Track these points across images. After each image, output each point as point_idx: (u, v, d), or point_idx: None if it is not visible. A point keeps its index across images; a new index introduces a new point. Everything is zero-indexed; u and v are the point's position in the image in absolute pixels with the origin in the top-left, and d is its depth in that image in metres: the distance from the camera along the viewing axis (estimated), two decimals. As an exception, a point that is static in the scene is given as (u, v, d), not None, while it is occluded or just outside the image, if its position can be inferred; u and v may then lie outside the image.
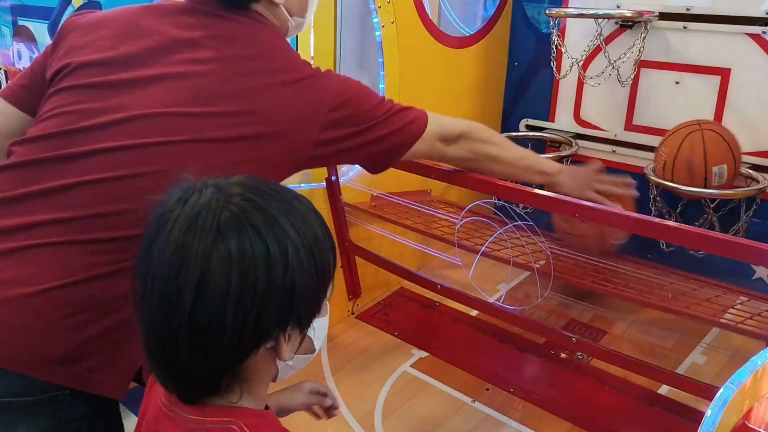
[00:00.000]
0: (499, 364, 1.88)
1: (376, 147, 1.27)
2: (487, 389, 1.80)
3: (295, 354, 0.77)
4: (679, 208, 2.07)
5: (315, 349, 0.82)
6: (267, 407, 0.81)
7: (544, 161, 1.51)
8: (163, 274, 0.70)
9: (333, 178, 1.98)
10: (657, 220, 1.39)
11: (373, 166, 1.37)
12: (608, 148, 2.35)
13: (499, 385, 1.80)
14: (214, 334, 0.69)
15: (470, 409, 1.73)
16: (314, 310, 0.77)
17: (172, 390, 0.76)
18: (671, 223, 1.34)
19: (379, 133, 1.26)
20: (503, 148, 1.46)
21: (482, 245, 1.74)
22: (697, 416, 1.58)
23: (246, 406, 0.77)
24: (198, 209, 0.71)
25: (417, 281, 1.99)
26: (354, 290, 2.17)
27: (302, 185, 2.04)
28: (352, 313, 2.17)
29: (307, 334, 0.77)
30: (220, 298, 0.68)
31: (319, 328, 0.80)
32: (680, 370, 1.73)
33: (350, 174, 2.09)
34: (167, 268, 0.70)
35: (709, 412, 1.11)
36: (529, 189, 1.47)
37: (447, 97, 2.45)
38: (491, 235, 1.70)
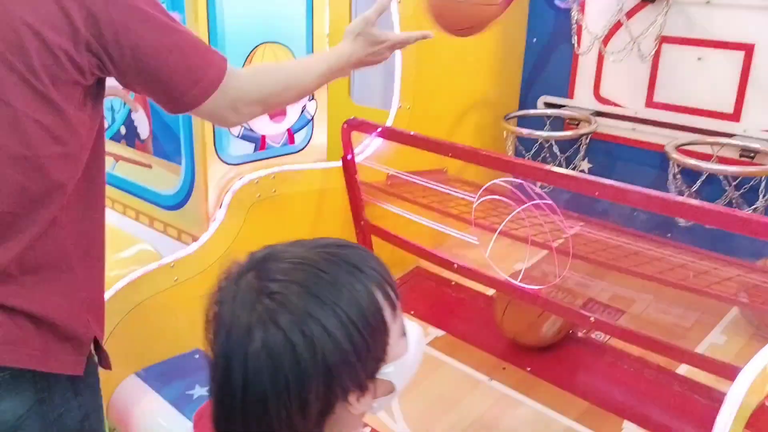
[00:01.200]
0: (517, 343, 1.87)
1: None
2: (504, 368, 1.79)
3: (375, 399, 0.80)
4: (698, 186, 2.04)
5: (395, 389, 0.82)
6: None
7: (333, 55, 1.38)
8: (219, 363, 0.76)
9: (349, 156, 1.97)
10: (677, 197, 1.37)
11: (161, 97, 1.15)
12: (628, 125, 2.32)
13: (515, 363, 1.79)
14: (266, 425, 0.74)
15: (487, 387, 1.73)
16: (371, 369, 0.78)
17: None
18: (691, 200, 1.32)
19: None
20: (297, 83, 1.30)
21: (499, 224, 1.72)
22: (716, 396, 1.57)
23: None
24: (234, 308, 0.75)
25: (433, 260, 1.98)
26: (370, 269, 2.16)
27: (317, 164, 2.04)
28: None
29: (384, 378, 0.79)
30: (261, 394, 0.73)
31: (395, 372, 0.80)
32: (699, 350, 1.71)
33: (366, 152, 2.08)
34: (219, 363, 0.76)
35: (731, 392, 1.10)
36: (547, 168, 1.45)
37: (464, 73, 2.42)
38: (509, 214, 1.68)
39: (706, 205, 1.20)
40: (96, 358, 1.18)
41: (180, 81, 1.10)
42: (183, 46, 1.10)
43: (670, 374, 1.65)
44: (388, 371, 0.78)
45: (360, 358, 0.75)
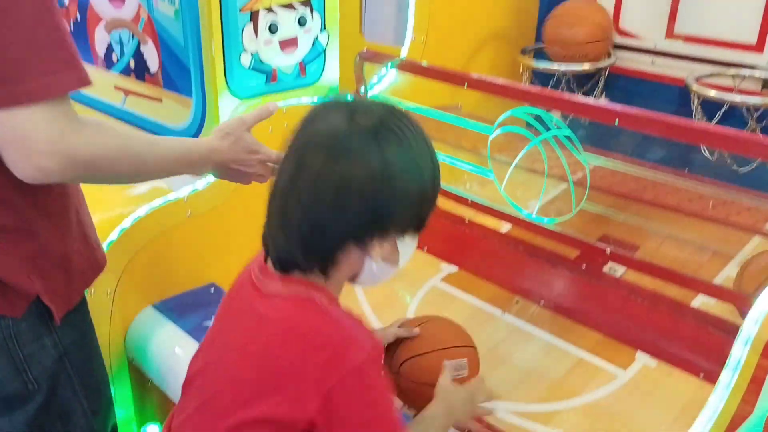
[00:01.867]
0: (530, 278, 1.87)
1: None
2: (517, 302, 1.79)
3: (382, 260, 0.89)
4: (719, 119, 2.00)
5: (399, 264, 0.93)
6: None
7: (191, 144, 1.21)
8: (316, 158, 0.84)
9: (361, 90, 1.94)
10: (702, 124, 1.34)
11: None
12: (648, 58, 2.26)
13: (529, 298, 1.80)
14: (353, 220, 0.84)
15: (500, 321, 1.74)
16: (418, 226, 0.90)
17: (282, 257, 0.89)
18: (715, 127, 1.29)
19: None
20: (137, 156, 1.06)
21: (515, 158, 1.70)
22: (729, 328, 1.57)
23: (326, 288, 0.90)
24: (331, 129, 0.85)
25: (447, 196, 1.96)
26: (383, 206, 2.15)
27: (328, 100, 2.00)
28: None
29: (401, 244, 0.89)
30: (366, 182, 0.82)
31: (408, 246, 0.92)
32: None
33: (379, 87, 2.04)
34: (322, 155, 0.84)
35: (747, 321, 1.09)
36: (566, 96, 1.41)
37: (480, 6, 2.36)
38: (525, 148, 1.66)
39: (730, 131, 1.17)
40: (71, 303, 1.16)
41: (12, 63, 0.87)
42: (42, 31, 0.89)
43: (684, 307, 1.64)
44: (407, 240, 0.90)
45: (429, 203, 0.89)
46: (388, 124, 0.85)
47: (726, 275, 1.72)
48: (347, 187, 0.82)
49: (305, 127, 0.89)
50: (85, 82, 0.96)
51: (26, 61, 0.88)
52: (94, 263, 1.21)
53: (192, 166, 1.17)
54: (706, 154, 1.98)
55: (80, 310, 1.19)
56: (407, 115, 0.89)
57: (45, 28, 0.90)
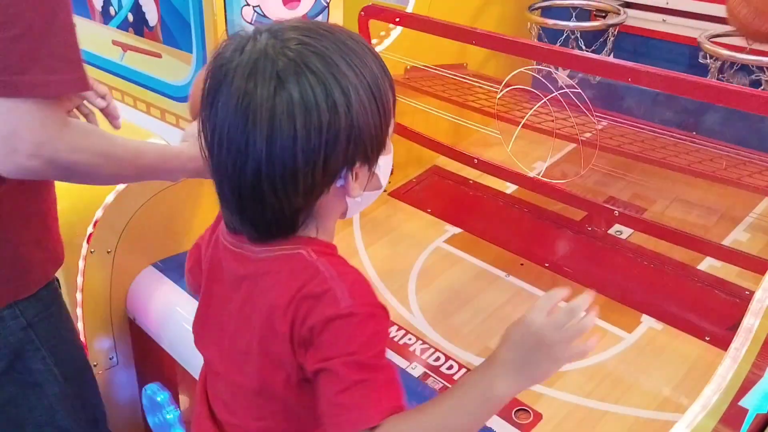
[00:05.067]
0: (535, 240, 1.86)
1: None
2: (522, 264, 1.78)
3: (364, 191, 0.81)
4: (726, 76, 1.95)
5: (381, 186, 0.86)
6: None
7: (167, 150, 1.18)
8: (231, 125, 0.72)
9: (366, 47, 1.89)
10: (724, 84, 1.30)
11: None
12: (658, 17, 2.20)
13: (534, 260, 1.78)
14: (287, 178, 0.73)
15: (504, 282, 1.72)
16: (379, 148, 0.79)
17: (249, 233, 0.81)
18: (738, 86, 1.25)
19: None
20: (117, 158, 1.05)
21: (523, 118, 1.66)
22: (736, 291, 1.56)
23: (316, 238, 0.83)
24: (255, 57, 0.72)
25: (452, 155, 1.93)
26: (386, 167, 2.12)
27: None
28: (384, 191, 2.14)
29: (375, 171, 0.81)
30: (289, 143, 0.71)
31: (384, 166, 0.83)
32: (722, 247, 1.68)
33: (384, 43, 1.99)
34: (234, 118, 0.72)
35: (761, 287, 1.07)
36: (577, 52, 1.37)
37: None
38: (533, 108, 1.62)
39: (750, 90, 1.14)
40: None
41: (21, 54, 0.86)
42: (56, 27, 0.88)
43: (690, 270, 1.63)
44: (380, 163, 0.81)
45: (376, 128, 0.76)
46: (305, 59, 0.71)
47: (733, 239, 1.70)
48: (296, 143, 0.71)
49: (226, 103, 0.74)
50: (84, 86, 0.96)
51: (35, 53, 0.87)
52: (54, 256, 1.20)
53: (170, 173, 1.19)
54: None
55: (49, 286, 1.19)
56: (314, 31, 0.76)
57: (59, 24, 0.89)
